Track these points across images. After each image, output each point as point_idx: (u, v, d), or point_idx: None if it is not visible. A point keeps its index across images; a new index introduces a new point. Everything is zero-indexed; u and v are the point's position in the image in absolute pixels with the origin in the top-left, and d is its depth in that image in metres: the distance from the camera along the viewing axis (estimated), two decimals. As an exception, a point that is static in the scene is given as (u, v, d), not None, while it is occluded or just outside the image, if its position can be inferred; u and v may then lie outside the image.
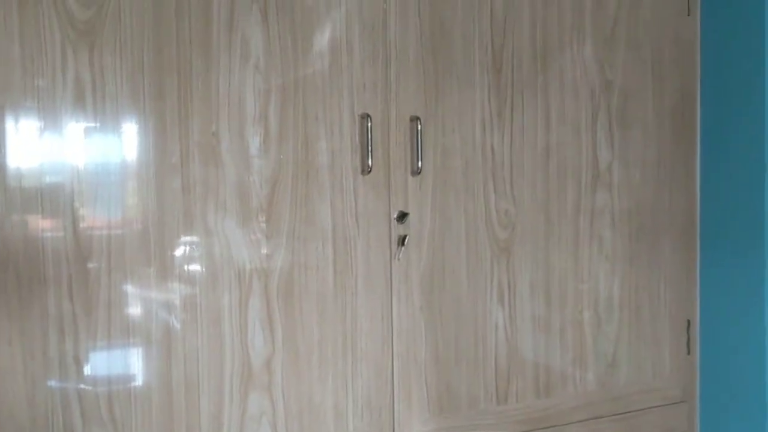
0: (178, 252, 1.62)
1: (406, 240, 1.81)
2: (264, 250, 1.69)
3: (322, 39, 1.73)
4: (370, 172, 1.77)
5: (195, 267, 1.64)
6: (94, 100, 1.54)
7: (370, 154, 1.76)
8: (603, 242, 2.06)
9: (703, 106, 2.15)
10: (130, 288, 1.58)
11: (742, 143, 2.04)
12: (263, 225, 1.69)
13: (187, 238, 1.63)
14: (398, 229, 1.81)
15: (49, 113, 1.51)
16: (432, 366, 1.87)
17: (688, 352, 2.19)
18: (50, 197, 1.52)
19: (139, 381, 1.60)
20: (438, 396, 1.88)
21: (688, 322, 2.19)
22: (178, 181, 1.61)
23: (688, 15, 2.14)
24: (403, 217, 1.81)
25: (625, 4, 2.06)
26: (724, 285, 2.11)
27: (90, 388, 1.56)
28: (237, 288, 1.67)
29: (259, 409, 1.70)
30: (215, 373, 1.66)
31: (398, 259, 1.82)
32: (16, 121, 1.49)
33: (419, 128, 1.80)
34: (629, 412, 2.11)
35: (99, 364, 1.57)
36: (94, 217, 1.55)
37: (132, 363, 1.59)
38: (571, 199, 2.01)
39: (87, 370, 1.56)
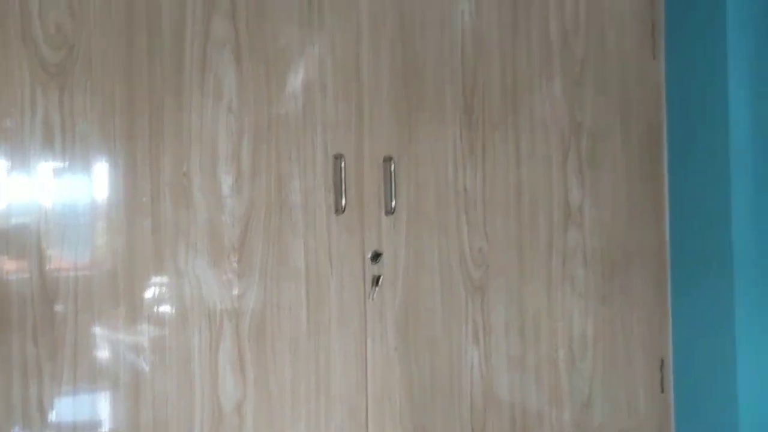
0: (148, 293, 1.59)
1: (381, 280, 1.80)
2: (235, 291, 1.67)
3: (296, 78, 1.74)
4: (343, 211, 1.77)
5: (165, 308, 1.61)
6: (63, 141, 1.53)
7: (343, 193, 1.76)
8: (575, 280, 2.06)
9: (670, 144, 2.19)
10: (97, 330, 1.54)
11: (707, 180, 2.08)
12: (235, 265, 1.67)
13: (157, 279, 1.60)
14: (372, 269, 1.80)
15: (17, 153, 1.49)
16: (407, 406, 1.84)
17: (662, 391, 2.19)
18: (16, 238, 1.49)
19: (106, 426, 1.56)
20: (413, 438, 1.85)
21: (662, 360, 2.19)
22: (148, 222, 1.59)
23: (654, 58, 2.19)
24: (377, 257, 1.80)
25: (592, 47, 2.10)
26: (696, 322, 2.12)
27: (54, 435, 1.51)
28: (207, 329, 1.64)
29: (230, 455, 1.66)
30: (185, 417, 1.62)
31: (372, 299, 1.80)
32: (-17, 160, 1.47)
33: (392, 168, 1.81)
34: (605, 451, 2.10)
35: (64, 409, 1.52)
36: (61, 258, 1.52)
37: (99, 408, 1.55)
38: (543, 238, 2.02)
39: (52, 416, 1.51)
